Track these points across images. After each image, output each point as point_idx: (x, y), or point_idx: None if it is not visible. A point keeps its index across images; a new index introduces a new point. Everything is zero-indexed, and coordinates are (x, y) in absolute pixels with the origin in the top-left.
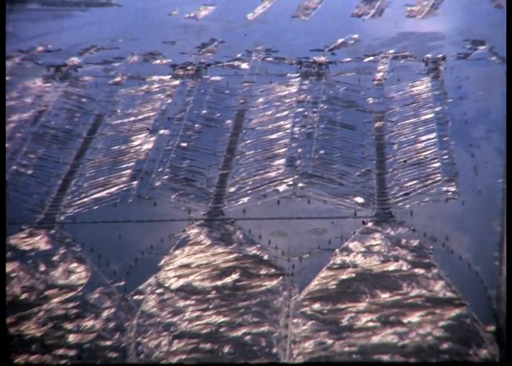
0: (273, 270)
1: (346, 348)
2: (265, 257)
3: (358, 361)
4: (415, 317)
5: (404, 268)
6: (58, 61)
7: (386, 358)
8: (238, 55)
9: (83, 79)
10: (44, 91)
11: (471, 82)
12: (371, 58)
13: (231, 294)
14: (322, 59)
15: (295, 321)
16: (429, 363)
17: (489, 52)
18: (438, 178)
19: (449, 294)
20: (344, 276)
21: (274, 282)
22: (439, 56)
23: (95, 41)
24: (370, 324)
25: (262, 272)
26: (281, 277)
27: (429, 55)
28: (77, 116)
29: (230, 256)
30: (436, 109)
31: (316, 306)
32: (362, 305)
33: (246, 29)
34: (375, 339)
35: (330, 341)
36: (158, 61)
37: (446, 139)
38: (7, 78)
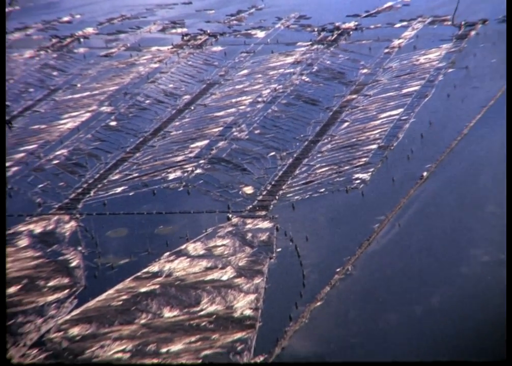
0: (66, 280)
1: None
2: (75, 262)
3: (358, 361)
4: (179, 345)
5: (225, 277)
6: (73, 31)
7: None
8: (264, 23)
9: (77, 50)
10: (22, 63)
11: (494, 48)
12: (405, 23)
13: None
14: (349, 25)
15: (28, 352)
16: (429, 363)
17: None
18: (360, 163)
19: (247, 312)
20: (143, 289)
21: (55, 296)
22: (479, 20)
23: (129, 10)
24: (117, 356)
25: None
26: (67, 290)
27: (468, 19)
28: (30, 90)
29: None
30: (427, 81)
31: (74, 331)
32: (128, 329)
33: None
34: None
35: None
36: (173, 31)
37: (406, 117)
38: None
